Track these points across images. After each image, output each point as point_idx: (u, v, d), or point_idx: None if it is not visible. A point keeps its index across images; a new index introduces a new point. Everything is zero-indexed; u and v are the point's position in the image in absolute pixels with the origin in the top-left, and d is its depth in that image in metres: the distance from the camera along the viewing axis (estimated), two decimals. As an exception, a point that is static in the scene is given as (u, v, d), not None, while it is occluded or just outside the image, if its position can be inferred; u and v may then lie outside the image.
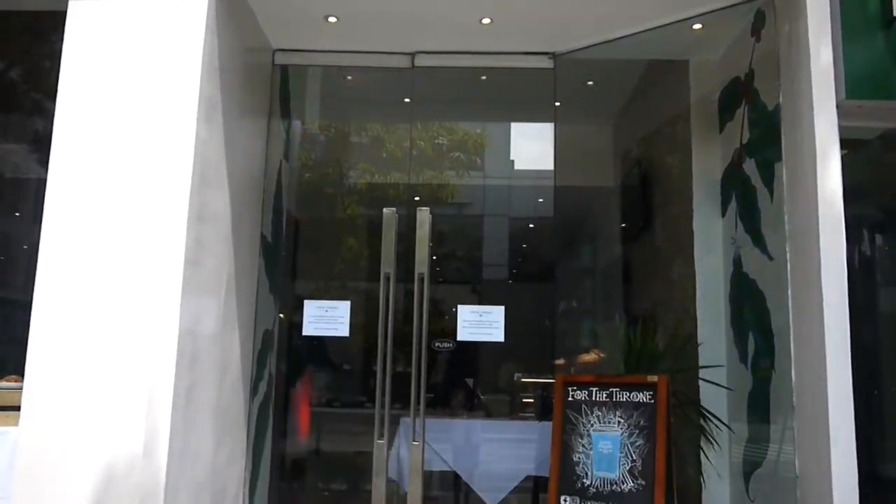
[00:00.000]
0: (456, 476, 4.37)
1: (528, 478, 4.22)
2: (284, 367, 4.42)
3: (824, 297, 2.90)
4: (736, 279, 3.77)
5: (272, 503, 4.15)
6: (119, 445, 2.90)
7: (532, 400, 4.97)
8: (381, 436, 3.70)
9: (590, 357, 4.51)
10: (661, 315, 4.42)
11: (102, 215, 3.08)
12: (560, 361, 4.86)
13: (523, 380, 5.09)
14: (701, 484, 3.70)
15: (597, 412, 3.45)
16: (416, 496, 3.70)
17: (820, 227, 2.94)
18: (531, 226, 6.22)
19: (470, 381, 4.98)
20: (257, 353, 3.85)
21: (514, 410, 4.95)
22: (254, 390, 3.81)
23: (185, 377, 2.96)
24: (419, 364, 3.74)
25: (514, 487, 4.19)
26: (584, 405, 3.49)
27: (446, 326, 4.42)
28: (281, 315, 4.26)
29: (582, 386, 3.53)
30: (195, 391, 3.07)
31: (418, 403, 3.73)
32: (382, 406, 3.73)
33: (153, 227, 3.00)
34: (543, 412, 4.77)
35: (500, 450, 4.38)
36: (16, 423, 3.04)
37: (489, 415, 4.87)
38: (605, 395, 3.45)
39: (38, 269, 3.07)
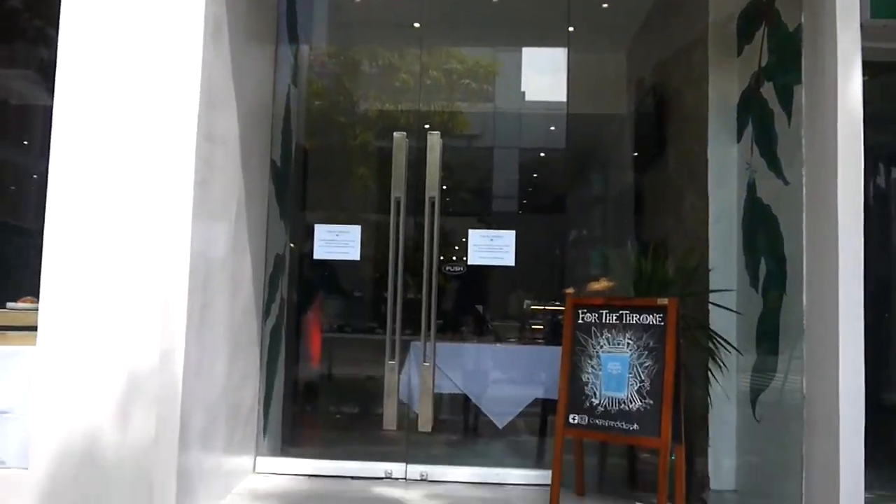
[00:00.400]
0: (465, 399, 4.45)
1: (536, 401, 4.29)
2: (296, 294, 4.46)
3: (840, 220, 2.88)
4: (749, 205, 3.74)
5: (286, 423, 4.26)
6: (136, 361, 2.95)
7: (541, 326, 5.02)
8: (392, 357, 3.76)
9: (599, 285, 4.53)
10: (673, 242, 4.40)
11: (110, 137, 3.05)
12: (570, 290, 4.89)
13: (532, 307, 5.13)
14: (708, 406, 3.75)
15: (606, 334, 3.48)
16: (427, 416, 3.78)
17: (839, 149, 2.89)
18: (542, 155, 6.16)
19: (480, 308, 5.02)
20: (269, 276, 3.88)
21: (523, 336, 5.00)
22: (266, 313, 3.85)
23: (197, 296, 2.99)
24: (430, 287, 3.77)
25: (523, 410, 4.27)
26: (593, 327, 3.52)
27: (457, 256, 4.44)
28: (292, 245, 4.27)
29: (592, 308, 3.55)
30: (208, 311, 3.10)
31: (429, 326, 3.77)
32: (393, 330, 3.78)
33: (162, 147, 2.98)
34: (552, 339, 4.82)
35: (509, 374, 4.45)
36: (33, 343, 3.09)
37: (498, 340, 4.92)
38: (615, 318, 3.48)
39: (48, 188, 3.07)
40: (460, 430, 4.62)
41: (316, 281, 4.76)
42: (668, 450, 3.21)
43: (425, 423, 3.80)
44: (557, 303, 4.82)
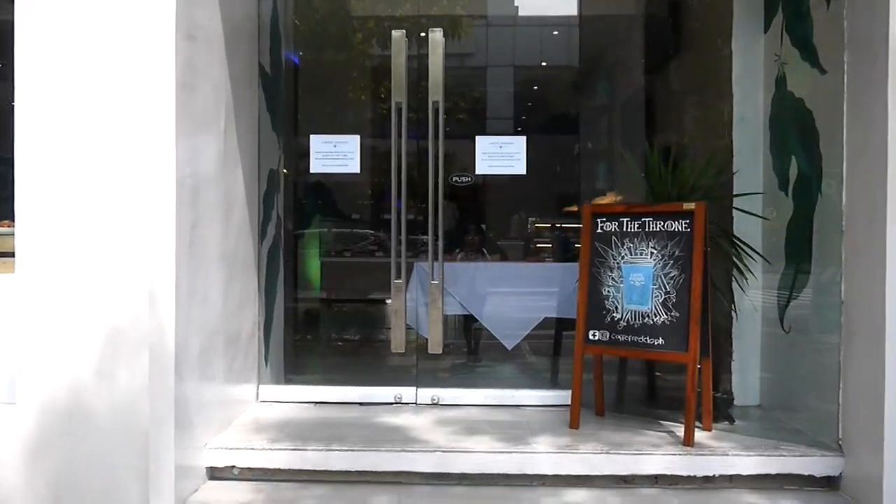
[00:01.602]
0: (467, 320, 4.25)
1: (549, 320, 4.10)
2: (292, 213, 4.19)
3: (890, 105, 2.60)
4: (779, 100, 3.45)
5: (288, 349, 4.06)
6: (122, 284, 2.70)
7: (551, 244, 4.80)
8: (398, 276, 3.54)
9: (608, 199, 4.26)
10: (694, 146, 4.13)
11: (78, 38, 2.73)
12: (573, 209, 4.66)
13: (538, 224, 4.90)
14: (732, 319, 3.56)
15: (628, 244, 3.25)
16: (437, 337, 3.58)
17: (890, 26, 2.60)
18: (543, 63, 5.80)
19: (484, 227, 4.79)
20: (263, 194, 3.61)
21: (531, 254, 4.78)
22: (262, 233, 3.60)
23: (186, 214, 2.73)
24: (436, 201, 3.51)
25: (535, 329, 4.08)
26: (613, 237, 3.29)
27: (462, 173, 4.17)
28: (285, 171, 3.98)
29: (612, 217, 3.31)
30: (198, 230, 2.85)
31: (436, 241, 3.53)
32: (398, 252, 3.54)
33: (137, 47, 2.66)
34: (563, 256, 4.61)
35: (518, 292, 4.23)
36: (11, 270, 2.86)
37: (505, 258, 4.70)
38: (636, 226, 3.25)
39: (15, 102, 2.77)
40: (472, 352, 4.45)
41: (311, 202, 4.49)
42: (696, 365, 3.03)
43: (435, 346, 3.59)
44: (570, 220, 4.60)
